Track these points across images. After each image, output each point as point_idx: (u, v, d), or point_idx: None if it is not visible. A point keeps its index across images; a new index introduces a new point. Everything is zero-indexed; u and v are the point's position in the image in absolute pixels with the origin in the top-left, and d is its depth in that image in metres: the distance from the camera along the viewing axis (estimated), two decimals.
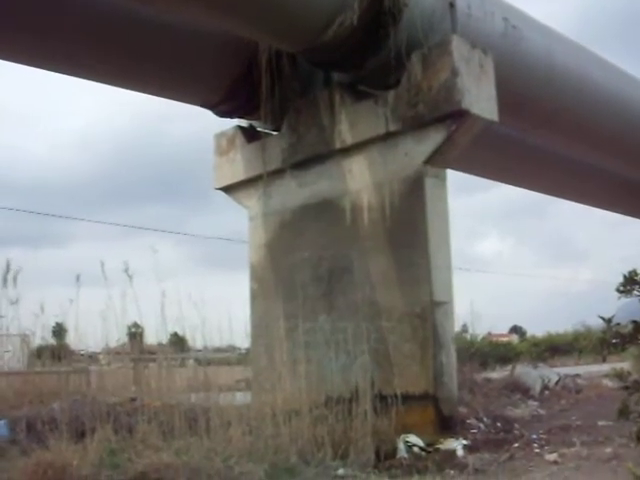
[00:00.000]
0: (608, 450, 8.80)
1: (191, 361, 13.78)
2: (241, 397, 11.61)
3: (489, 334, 49.21)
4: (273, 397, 10.01)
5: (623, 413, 5.06)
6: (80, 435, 8.94)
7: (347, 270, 11.95)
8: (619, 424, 10.97)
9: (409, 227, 11.26)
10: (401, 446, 9.41)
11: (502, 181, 21.23)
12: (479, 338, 34.75)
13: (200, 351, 12.27)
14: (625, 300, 5.01)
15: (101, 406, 10.03)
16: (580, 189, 22.33)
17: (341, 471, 8.18)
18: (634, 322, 4.73)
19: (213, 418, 9.18)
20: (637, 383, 5.02)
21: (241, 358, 14.94)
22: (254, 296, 13.58)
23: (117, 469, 7.65)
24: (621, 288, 4.93)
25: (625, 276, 4.85)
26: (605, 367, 27.66)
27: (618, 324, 4.80)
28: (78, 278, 10.81)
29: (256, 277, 13.63)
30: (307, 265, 12.54)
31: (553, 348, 39.89)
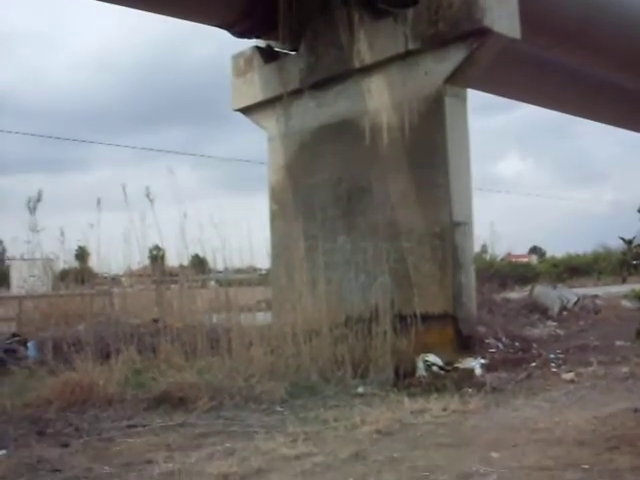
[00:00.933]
0: (625, 370, 8.88)
1: (212, 282, 13.98)
2: (262, 317, 11.74)
3: (508, 255, 49.25)
4: (293, 317, 10.12)
5: None
6: (105, 356, 9.14)
7: (367, 191, 11.93)
8: (637, 344, 11.10)
9: (429, 147, 11.17)
10: (420, 365, 9.53)
11: (523, 100, 20.81)
12: (498, 259, 34.81)
13: (221, 272, 12.36)
14: None
15: (125, 327, 10.24)
16: (603, 108, 21.82)
17: (361, 389, 8.32)
18: None
19: (234, 338, 9.35)
20: None
21: (262, 279, 15.05)
22: (274, 217, 13.63)
23: (142, 388, 7.84)
24: None
25: None
26: (624, 288, 27.71)
27: (639, 245, 4.75)
28: (99, 202, 10.87)
29: (276, 198, 13.65)
30: (326, 186, 12.52)
31: (572, 269, 39.85)
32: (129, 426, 6.50)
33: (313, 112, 12.81)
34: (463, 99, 11.39)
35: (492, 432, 5.74)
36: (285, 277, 12.14)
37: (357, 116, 12.08)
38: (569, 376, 8.60)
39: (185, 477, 4.65)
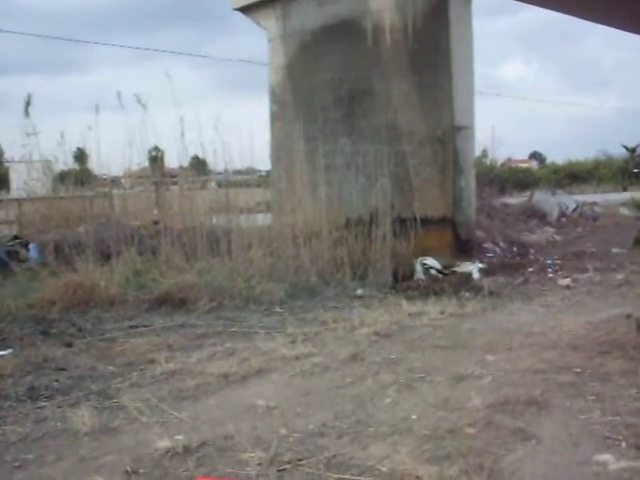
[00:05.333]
0: (619, 277, 8.98)
1: (212, 183, 13.93)
2: (262, 219, 11.76)
3: (509, 160, 48.98)
4: (293, 219, 10.16)
5: (639, 242, 5.07)
6: (106, 257, 9.21)
7: (368, 93, 11.75)
8: (633, 252, 11.23)
9: (432, 49, 10.95)
10: (418, 268, 9.63)
11: (531, 2, 20.16)
12: (498, 164, 34.61)
13: (221, 174, 12.30)
14: None
15: (125, 229, 10.26)
16: (610, 10, 21.22)
17: (359, 291, 8.43)
18: None
19: (234, 240, 9.40)
20: None
21: (262, 180, 15.02)
22: (274, 118, 13.47)
23: (143, 289, 7.92)
24: None
25: None
26: (624, 195, 27.79)
27: None
28: (97, 108, 10.67)
29: (276, 99, 13.45)
30: (327, 87, 12.33)
31: (572, 175, 39.68)
32: (131, 327, 6.61)
33: (314, 12, 12.47)
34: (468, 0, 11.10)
35: (488, 335, 5.84)
36: (285, 179, 12.13)
37: (359, 16, 11.77)
38: (565, 282, 8.70)
39: (187, 376, 4.75)
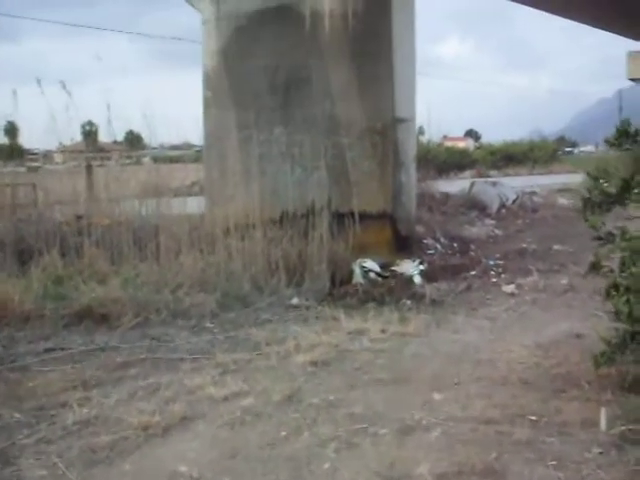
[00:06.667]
0: (564, 281, 8.74)
1: (147, 159, 13.42)
2: (195, 204, 11.17)
3: (444, 137, 49.16)
4: (225, 212, 9.63)
5: (595, 267, 4.74)
6: (27, 259, 8.55)
7: (306, 81, 11.21)
8: (572, 248, 11.07)
9: (373, 37, 10.55)
10: (357, 271, 9.21)
11: None
12: (435, 144, 34.56)
13: (156, 148, 11.79)
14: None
15: (47, 225, 9.57)
16: None
17: (295, 300, 7.96)
18: (623, 180, 4.27)
19: (163, 241, 8.81)
20: (610, 235, 4.65)
21: (197, 156, 14.47)
22: (207, 104, 12.78)
23: (62, 300, 7.27)
24: (613, 141, 4.43)
25: (618, 129, 4.34)
26: (558, 179, 28.01)
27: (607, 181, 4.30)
28: (26, 81, 9.98)
29: (210, 85, 12.75)
30: (263, 74, 11.72)
31: (508, 157, 39.92)
32: (47, 350, 6.03)
33: None
34: None
35: (434, 364, 5.45)
36: (218, 168, 11.57)
37: (297, 1, 11.19)
38: (509, 288, 8.41)
39: (102, 427, 4.21)
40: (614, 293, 4.41)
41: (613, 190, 4.26)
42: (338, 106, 10.90)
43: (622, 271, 4.43)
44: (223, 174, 11.19)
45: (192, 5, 12.96)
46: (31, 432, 4.18)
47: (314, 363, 5.42)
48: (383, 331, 6.42)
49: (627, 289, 4.31)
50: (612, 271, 4.63)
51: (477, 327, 6.76)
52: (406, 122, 10.70)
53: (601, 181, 4.32)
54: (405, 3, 10.56)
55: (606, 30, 26.86)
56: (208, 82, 12.74)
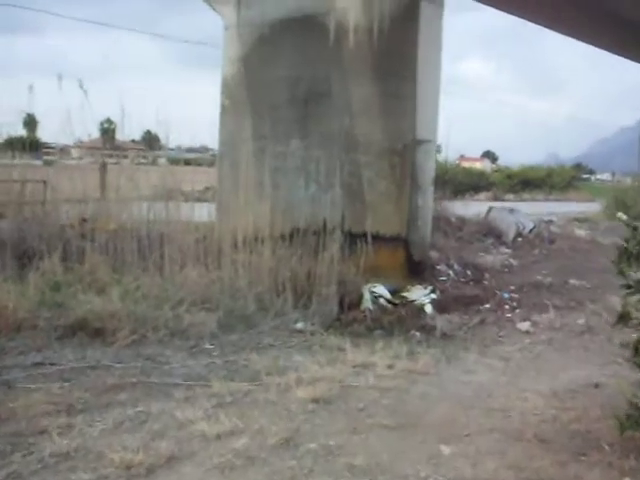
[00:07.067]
0: (580, 321, 8.39)
1: (163, 160, 13.25)
2: (206, 212, 10.88)
3: (461, 157, 48.92)
4: (234, 224, 9.34)
5: (623, 318, 4.39)
6: (28, 260, 8.27)
7: (326, 95, 10.94)
8: (589, 284, 10.71)
9: (398, 55, 10.23)
10: (367, 296, 8.86)
11: (492, 5, 19.61)
12: (451, 161, 34.26)
13: (173, 150, 11.59)
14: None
15: (51, 228, 9.30)
16: (568, 19, 20.81)
17: (300, 325, 7.62)
18: None
19: (169, 252, 8.51)
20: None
21: (213, 160, 14.29)
22: (224, 112, 12.52)
23: (59, 308, 6.96)
24: None
25: None
26: (576, 207, 27.64)
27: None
28: (50, 75, 9.82)
29: (228, 92, 12.49)
30: (284, 85, 11.47)
31: (526, 182, 39.51)
32: (36, 364, 5.72)
33: (274, 3, 11.56)
34: (440, 4, 10.42)
35: (442, 407, 5.10)
36: (231, 178, 11.29)
37: (322, 12, 10.92)
38: (524, 326, 8.06)
39: (81, 462, 3.88)
40: None
41: None
42: (358, 123, 10.62)
43: None
44: (235, 185, 10.89)
45: (214, 9, 12.71)
46: (2, 463, 3.85)
47: (315, 400, 5.07)
48: (390, 367, 6.08)
49: None
50: None
51: (490, 367, 6.41)
52: (426, 144, 10.39)
53: None
54: (432, 21, 10.25)
55: (628, 58, 26.51)
56: (226, 89, 12.49)
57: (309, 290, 8.47)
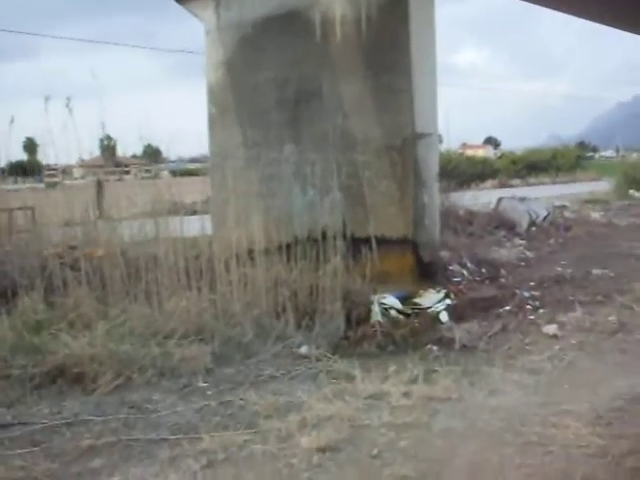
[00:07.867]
0: (611, 318, 7.67)
1: (165, 172, 13.07)
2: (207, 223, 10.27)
3: (464, 145, 48.25)
4: (228, 240, 8.65)
5: None
6: (11, 296, 7.62)
7: (316, 94, 10.29)
8: (613, 272, 10.01)
9: (389, 45, 9.59)
10: (376, 309, 8.14)
11: None
12: (454, 150, 33.67)
13: (174, 162, 11.13)
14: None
15: (34, 260, 8.61)
16: None
17: (304, 349, 6.91)
18: None
19: (160, 277, 7.82)
20: None
21: None
22: (213, 121, 11.87)
23: (36, 354, 6.26)
24: None
25: None
26: (585, 187, 26.92)
27: None
28: (46, 97, 9.32)
29: (215, 100, 11.84)
30: (271, 87, 10.83)
31: (531, 166, 38.70)
32: (3, 426, 5.02)
33: (255, 1, 10.90)
34: None
35: (469, 446, 4.38)
36: (224, 190, 10.62)
37: (306, 6, 10.25)
38: (551, 329, 7.31)
39: None
40: None
41: None
42: (352, 121, 9.97)
43: None
44: (229, 196, 10.25)
45: (195, 15, 12.06)
46: None
47: (321, 449, 4.35)
48: (406, 394, 5.35)
49: None
50: None
51: (518, 384, 5.69)
52: (427, 137, 9.71)
53: None
54: (423, 8, 9.58)
55: (627, 31, 25.72)
56: (212, 97, 11.85)
57: (312, 307, 7.78)
